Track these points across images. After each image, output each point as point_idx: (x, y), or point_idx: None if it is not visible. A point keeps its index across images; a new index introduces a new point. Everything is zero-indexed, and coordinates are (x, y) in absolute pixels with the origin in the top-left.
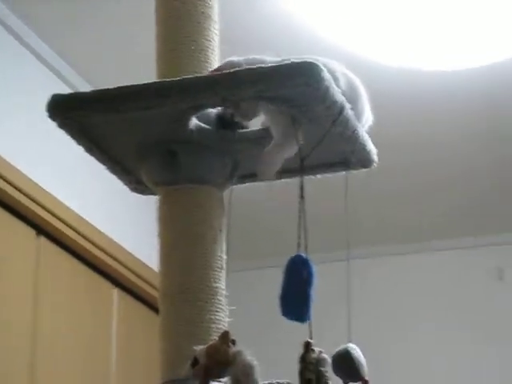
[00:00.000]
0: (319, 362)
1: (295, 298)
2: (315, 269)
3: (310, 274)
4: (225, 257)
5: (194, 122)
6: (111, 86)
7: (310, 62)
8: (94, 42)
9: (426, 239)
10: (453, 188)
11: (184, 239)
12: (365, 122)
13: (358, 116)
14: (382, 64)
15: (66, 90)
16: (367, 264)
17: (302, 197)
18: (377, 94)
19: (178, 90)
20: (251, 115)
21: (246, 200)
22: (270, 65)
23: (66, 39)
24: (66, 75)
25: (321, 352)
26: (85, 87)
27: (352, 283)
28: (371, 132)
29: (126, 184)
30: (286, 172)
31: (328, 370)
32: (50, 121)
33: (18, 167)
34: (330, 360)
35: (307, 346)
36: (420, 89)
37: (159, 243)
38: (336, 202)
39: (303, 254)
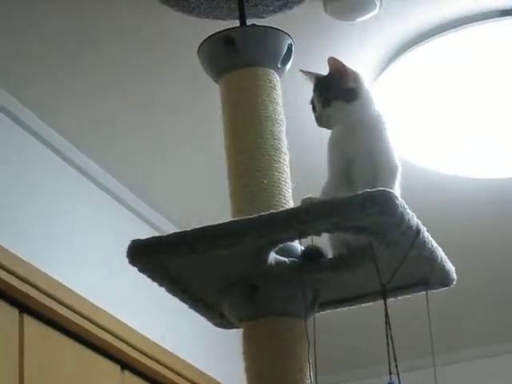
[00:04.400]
0: None
1: None
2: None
3: None
4: None
5: (272, 255)
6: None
7: (383, 191)
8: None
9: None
10: None
11: (271, 372)
12: None
13: None
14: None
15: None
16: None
17: (387, 323)
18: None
19: (256, 228)
20: None
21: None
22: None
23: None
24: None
25: None
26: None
27: None
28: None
29: (209, 320)
30: (368, 295)
31: None
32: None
33: (99, 305)
34: None
35: None
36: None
37: (247, 378)
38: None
39: (395, 382)
